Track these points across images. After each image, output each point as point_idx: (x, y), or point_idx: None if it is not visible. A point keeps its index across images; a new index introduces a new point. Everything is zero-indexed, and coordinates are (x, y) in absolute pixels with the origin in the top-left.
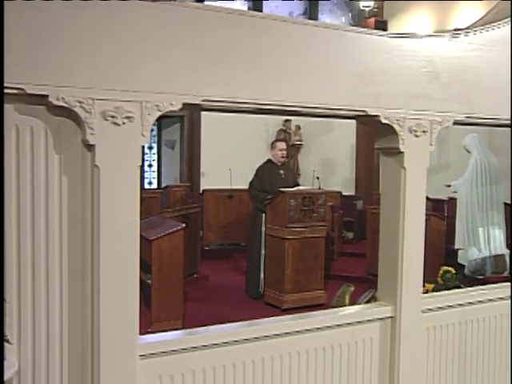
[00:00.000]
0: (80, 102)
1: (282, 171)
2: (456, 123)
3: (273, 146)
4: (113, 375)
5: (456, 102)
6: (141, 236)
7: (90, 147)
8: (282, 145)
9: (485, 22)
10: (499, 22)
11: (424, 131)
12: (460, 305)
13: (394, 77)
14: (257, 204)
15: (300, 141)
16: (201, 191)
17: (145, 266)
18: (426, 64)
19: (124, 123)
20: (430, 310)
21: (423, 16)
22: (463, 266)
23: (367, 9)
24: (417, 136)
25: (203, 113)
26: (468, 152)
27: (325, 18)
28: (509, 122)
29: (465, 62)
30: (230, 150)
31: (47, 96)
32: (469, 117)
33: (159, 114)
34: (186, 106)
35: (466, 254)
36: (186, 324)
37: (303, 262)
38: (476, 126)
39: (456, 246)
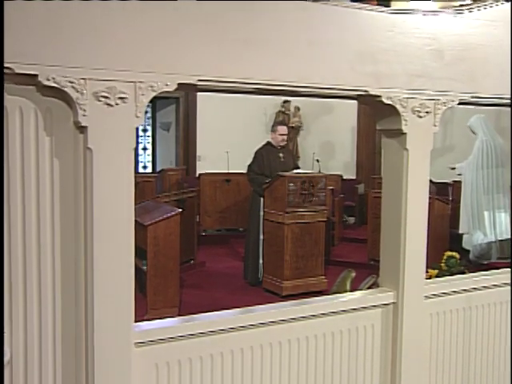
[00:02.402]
0: (71, 82)
1: (281, 154)
2: (461, 103)
3: (274, 129)
4: (107, 363)
5: (461, 82)
6: (136, 221)
7: (82, 129)
8: (284, 129)
9: None
10: None
11: (427, 112)
12: (464, 290)
13: (397, 55)
14: (256, 188)
15: (299, 122)
16: (197, 175)
17: (140, 253)
18: (429, 42)
19: (117, 104)
20: (433, 295)
21: None
22: (468, 251)
23: None
24: (420, 117)
25: (199, 94)
26: (473, 133)
27: None
28: None
29: (470, 39)
30: (227, 133)
31: (37, 76)
32: (474, 97)
33: (154, 94)
34: (181, 86)
35: (471, 239)
36: (183, 311)
37: (303, 248)
38: (482, 107)
39: (460, 231)
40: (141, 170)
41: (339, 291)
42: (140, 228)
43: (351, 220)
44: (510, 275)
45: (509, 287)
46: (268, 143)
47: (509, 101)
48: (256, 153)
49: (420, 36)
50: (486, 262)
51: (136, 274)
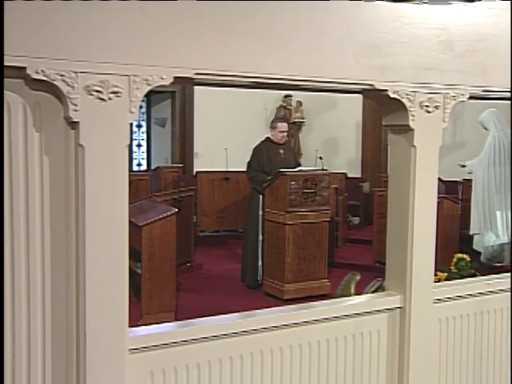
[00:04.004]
0: (61, 76)
1: (281, 150)
2: (472, 97)
3: (273, 125)
4: (100, 371)
5: (472, 74)
6: (130, 222)
7: (73, 125)
8: (284, 126)
9: None
10: None
11: (436, 106)
12: (475, 294)
13: (404, 47)
14: (256, 187)
15: (301, 118)
16: (194, 173)
17: (134, 254)
18: (439, 32)
19: (110, 99)
20: (442, 300)
21: None
22: (479, 253)
23: None
24: (428, 112)
25: (196, 88)
26: (485, 129)
27: None
28: None
29: (482, 30)
30: (226, 129)
31: (25, 68)
32: (486, 90)
33: (149, 88)
34: (177, 80)
35: (482, 240)
36: (179, 316)
37: (305, 249)
38: (494, 101)
39: (471, 232)
40: (135, 167)
41: (343, 295)
42: (134, 229)
43: (356, 220)
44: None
45: None
46: (267, 139)
47: None
48: (255, 149)
49: (428, 26)
50: (498, 265)
51: (130, 276)
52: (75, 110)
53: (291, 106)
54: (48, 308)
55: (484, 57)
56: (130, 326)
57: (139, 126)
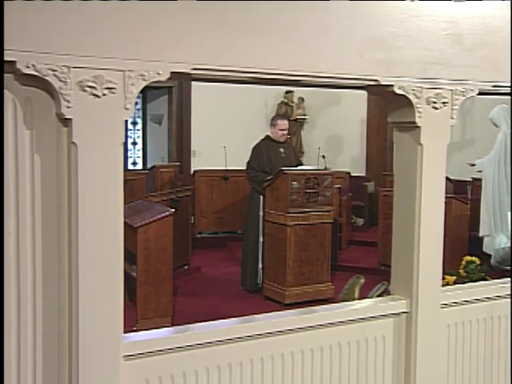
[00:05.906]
0: (53, 70)
1: (282, 149)
2: (481, 93)
3: (273, 123)
4: (94, 378)
5: (482, 69)
6: (125, 223)
7: (65, 122)
8: (285, 124)
9: None
10: None
11: (444, 103)
12: (485, 299)
13: (410, 41)
14: (256, 187)
15: (303, 115)
16: (192, 172)
17: (129, 257)
18: (447, 25)
19: (104, 95)
20: (450, 304)
21: None
22: (489, 256)
23: None
24: (436, 108)
25: (194, 83)
26: (495, 126)
27: None
28: None
29: (492, 22)
30: (225, 126)
31: (15, 62)
32: (496, 85)
33: (144, 84)
34: (174, 75)
35: (493, 242)
36: (176, 321)
37: (307, 252)
38: (505, 96)
39: (481, 233)
40: (130, 166)
41: (347, 299)
42: (129, 230)
43: (360, 221)
44: None
45: None
46: (267, 137)
47: None
48: (254, 148)
49: (436, 19)
50: (509, 268)
51: (125, 280)
52: (68, 107)
53: (293, 102)
54: (39, 312)
55: (494, 50)
56: (125, 332)
57: (134, 123)
